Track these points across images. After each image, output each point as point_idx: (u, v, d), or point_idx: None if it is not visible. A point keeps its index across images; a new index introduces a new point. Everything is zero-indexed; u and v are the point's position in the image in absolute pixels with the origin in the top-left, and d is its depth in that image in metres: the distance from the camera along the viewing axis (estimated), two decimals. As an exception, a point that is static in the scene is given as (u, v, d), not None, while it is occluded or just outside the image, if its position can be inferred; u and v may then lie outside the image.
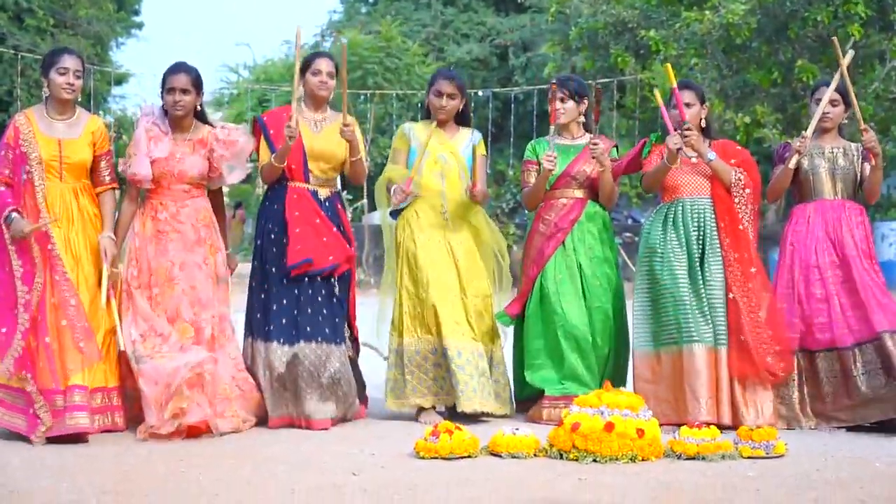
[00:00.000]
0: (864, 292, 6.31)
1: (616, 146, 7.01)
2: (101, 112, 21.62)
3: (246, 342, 6.47)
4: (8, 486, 4.73)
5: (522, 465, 5.27)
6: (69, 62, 6.03)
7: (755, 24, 15.18)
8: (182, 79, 6.21)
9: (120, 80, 25.42)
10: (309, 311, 6.30)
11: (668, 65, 6.93)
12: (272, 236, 6.42)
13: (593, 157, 6.50)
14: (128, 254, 6.20)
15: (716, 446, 5.38)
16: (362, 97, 21.86)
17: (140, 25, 27.65)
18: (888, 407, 6.18)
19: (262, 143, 6.48)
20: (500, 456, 5.39)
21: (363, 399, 6.68)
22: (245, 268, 6.77)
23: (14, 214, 5.89)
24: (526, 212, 19.45)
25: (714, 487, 4.81)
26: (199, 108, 6.34)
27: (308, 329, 6.28)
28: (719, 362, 6.27)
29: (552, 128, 6.67)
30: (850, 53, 6.72)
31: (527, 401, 6.73)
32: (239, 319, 6.48)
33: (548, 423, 6.26)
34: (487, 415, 6.50)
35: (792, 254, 6.55)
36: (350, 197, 19.39)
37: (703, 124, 6.58)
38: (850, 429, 6.27)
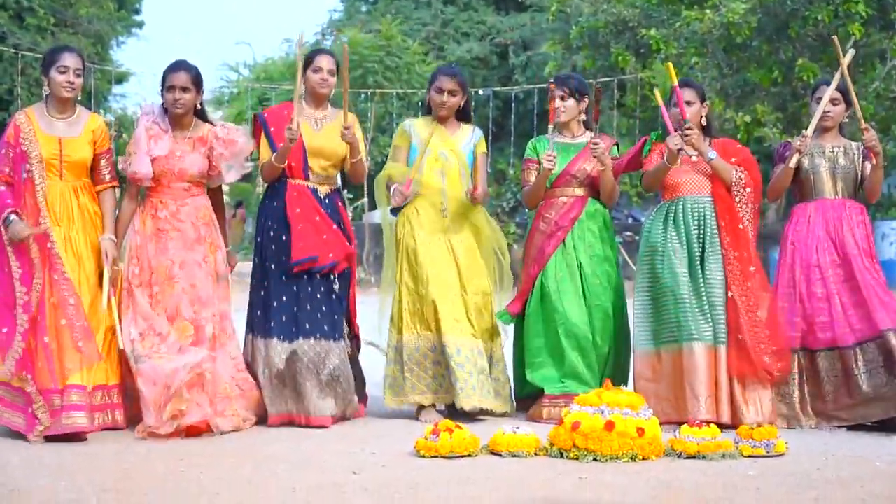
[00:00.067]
0: (866, 291, 6.31)
1: (617, 144, 7.01)
2: (101, 111, 21.63)
3: (247, 339, 6.48)
4: (8, 484, 4.72)
5: (523, 463, 5.26)
6: (69, 60, 6.03)
7: (756, 22, 15.19)
8: (182, 77, 6.21)
9: (120, 79, 25.44)
10: (308, 307, 6.31)
11: (670, 63, 6.92)
12: (271, 233, 6.42)
13: (594, 157, 6.51)
14: (128, 252, 6.20)
15: (716, 445, 5.38)
16: (363, 96, 21.86)
17: (141, 24, 27.65)
18: (890, 405, 6.17)
19: (263, 140, 6.49)
20: (501, 455, 5.39)
21: (363, 397, 6.68)
22: (244, 266, 6.78)
23: (13, 216, 5.89)
24: (526, 210, 19.46)
25: (714, 486, 4.80)
26: (199, 106, 6.33)
27: (307, 326, 6.28)
28: (719, 361, 6.27)
29: (550, 127, 6.67)
30: (851, 52, 6.71)
31: (527, 399, 6.73)
32: (239, 318, 6.47)
33: (548, 422, 6.26)
34: (486, 412, 6.50)
35: (793, 253, 6.55)
36: (351, 196, 19.37)
37: (704, 122, 6.57)
38: (850, 428, 6.27)
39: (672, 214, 6.50)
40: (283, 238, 6.36)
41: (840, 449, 5.69)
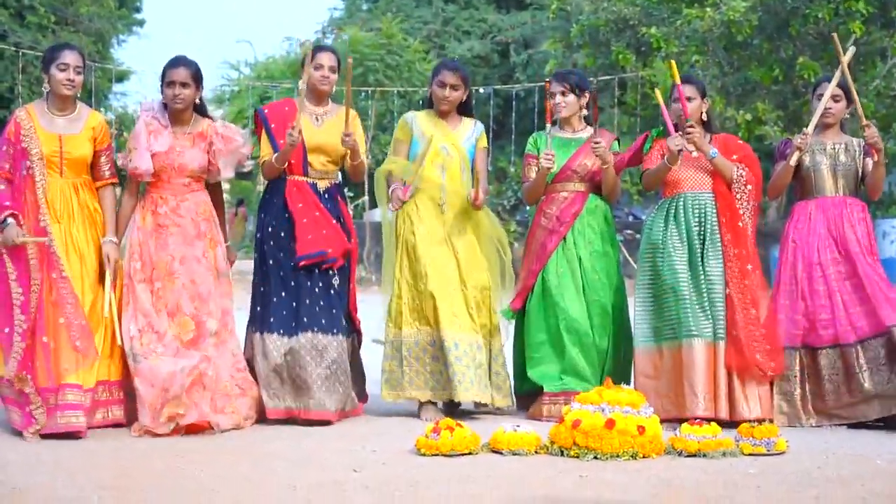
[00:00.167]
0: (871, 287, 6.31)
1: (618, 140, 7.02)
2: (102, 109, 21.63)
3: (247, 335, 6.48)
4: (7, 482, 4.72)
5: (523, 462, 5.26)
6: (69, 58, 6.03)
7: (756, 21, 15.18)
8: (182, 72, 6.21)
9: (121, 77, 25.47)
10: (307, 301, 6.31)
11: (672, 61, 6.90)
12: (270, 229, 6.43)
13: (596, 155, 6.51)
14: (129, 248, 6.20)
15: (717, 443, 5.38)
16: (363, 94, 21.86)
17: (141, 23, 27.66)
18: (891, 403, 6.17)
19: (264, 136, 6.49)
20: (501, 453, 5.39)
21: (363, 395, 6.67)
22: (243, 264, 6.77)
23: (10, 220, 5.89)
24: (527, 208, 19.47)
25: (715, 484, 4.80)
26: (198, 101, 6.33)
27: (305, 320, 6.29)
28: (718, 357, 6.27)
29: (548, 126, 6.66)
30: (851, 50, 6.70)
31: (527, 395, 6.73)
32: (240, 316, 6.47)
33: (548, 420, 6.26)
34: (482, 406, 6.51)
35: (794, 251, 6.54)
36: (351, 194, 19.38)
37: (705, 118, 6.57)
38: (850, 426, 6.27)
39: (673, 211, 6.50)
40: (282, 235, 6.37)
41: (841, 447, 5.69)
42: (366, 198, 21.63)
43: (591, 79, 14.46)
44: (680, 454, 5.38)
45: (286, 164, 6.36)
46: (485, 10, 28.32)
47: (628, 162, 6.84)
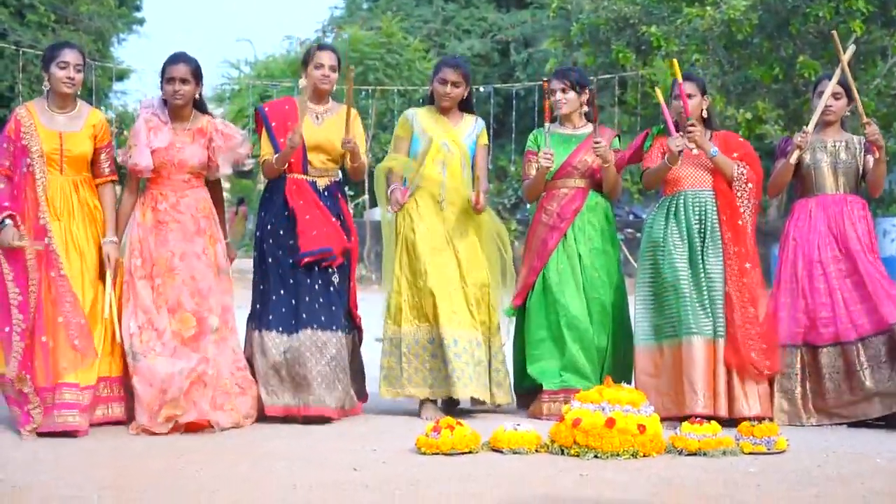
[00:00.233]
0: (872, 285, 6.31)
1: (619, 136, 7.02)
2: (102, 107, 21.63)
3: (247, 333, 6.48)
4: (8, 481, 4.72)
5: (524, 460, 5.26)
6: (69, 56, 6.04)
7: (756, 19, 15.19)
8: (181, 68, 6.21)
9: (121, 75, 25.47)
10: (307, 299, 6.31)
11: (675, 60, 6.89)
12: (269, 227, 6.44)
13: (597, 155, 6.52)
14: (129, 244, 6.21)
15: (717, 442, 5.38)
16: (364, 93, 21.87)
17: (141, 21, 27.65)
18: (892, 401, 6.17)
19: (264, 134, 6.49)
20: (502, 452, 5.39)
21: (363, 393, 6.67)
22: (243, 263, 6.78)
23: (8, 221, 5.89)
24: (527, 207, 19.46)
25: (715, 483, 4.80)
26: (198, 98, 6.33)
27: (305, 317, 6.29)
28: (717, 355, 6.27)
29: (546, 125, 6.66)
30: (852, 48, 6.70)
31: (526, 392, 6.74)
32: (240, 315, 6.47)
33: (548, 418, 6.27)
34: (482, 403, 6.51)
35: (794, 249, 6.54)
36: (352, 193, 19.39)
37: (705, 115, 6.58)
38: (851, 425, 6.27)
39: (673, 209, 6.51)
40: (281, 233, 6.38)
41: (841, 446, 5.69)
42: (366, 196, 21.64)
43: (592, 77, 14.47)
44: (680, 453, 5.37)
45: (285, 166, 6.37)
46: (485, 8, 28.33)
47: (629, 160, 6.84)
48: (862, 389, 6.22)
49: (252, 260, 6.64)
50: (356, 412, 6.51)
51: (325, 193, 6.46)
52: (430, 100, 6.85)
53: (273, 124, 6.46)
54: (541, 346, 6.62)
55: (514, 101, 20.42)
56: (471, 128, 6.80)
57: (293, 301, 6.33)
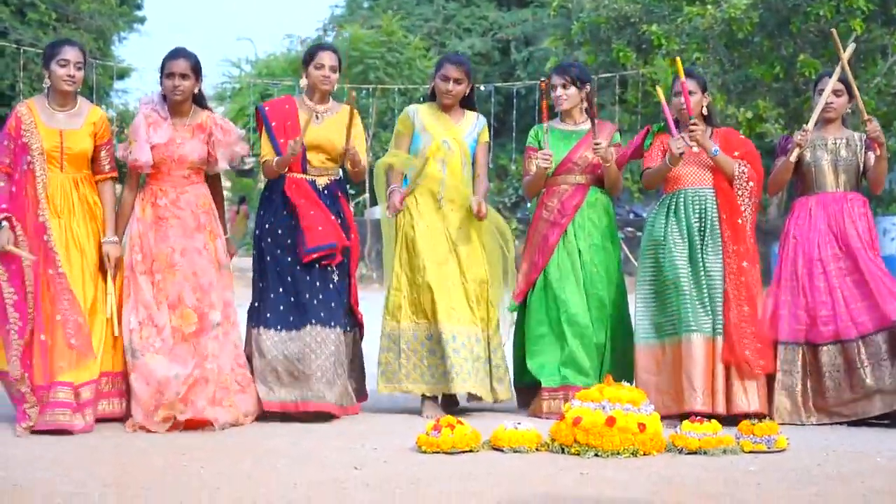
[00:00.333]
0: (874, 282, 6.31)
1: (619, 131, 7.03)
2: (103, 106, 21.63)
3: (248, 331, 6.49)
4: (9, 479, 4.73)
5: (524, 459, 5.27)
6: (70, 54, 6.04)
7: (757, 18, 15.20)
8: (181, 64, 6.22)
9: (122, 74, 25.47)
10: (306, 296, 6.32)
11: (678, 59, 6.90)
12: (267, 226, 6.46)
13: (598, 156, 6.53)
14: (129, 240, 6.22)
15: (717, 441, 5.38)
16: (364, 92, 21.86)
17: (142, 20, 27.63)
18: (893, 399, 6.18)
19: (264, 133, 6.50)
20: (502, 450, 5.39)
21: (363, 392, 6.68)
22: (243, 261, 6.78)
23: (4, 224, 5.91)
24: (528, 206, 19.48)
25: (715, 482, 4.81)
26: (197, 93, 6.34)
27: (304, 314, 6.30)
28: (716, 352, 6.28)
29: (545, 124, 6.67)
30: (852, 46, 6.70)
31: (526, 386, 6.75)
32: (240, 313, 6.48)
33: (548, 415, 6.30)
34: (479, 399, 6.52)
35: (795, 247, 6.55)
36: (352, 192, 19.40)
37: (705, 112, 6.58)
38: (851, 424, 6.27)
39: (673, 207, 6.51)
40: (280, 232, 6.39)
41: (841, 445, 5.69)
42: (367, 195, 21.64)
43: (592, 76, 14.47)
44: (680, 451, 5.38)
45: (285, 170, 6.38)
46: (486, 7, 28.32)
47: (629, 157, 6.85)
48: (862, 387, 6.22)
49: (252, 257, 6.65)
50: (355, 411, 6.51)
51: (325, 192, 6.47)
52: (431, 97, 6.85)
53: (273, 124, 6.46)
54: (541, 342, 6.64)
55: (514, 100, 20.42)
56: (472, 125, 6.80)
57: (292, 299, 6.34)
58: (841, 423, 6.28)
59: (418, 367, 6.53)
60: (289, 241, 6.37)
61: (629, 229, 21.71)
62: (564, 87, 6.72)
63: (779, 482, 4.81)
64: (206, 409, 5.98)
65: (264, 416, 6.28)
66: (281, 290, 6.36)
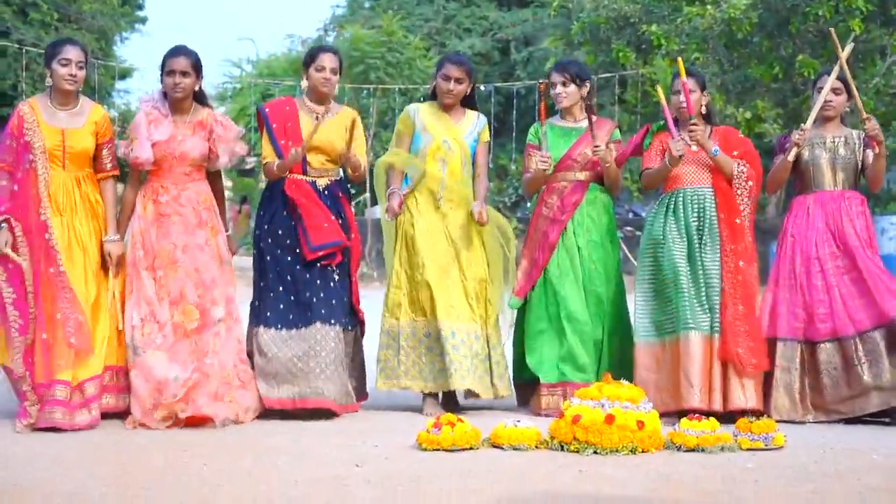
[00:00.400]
0: (872, 280, 6.33)
1: (619, 128, 7.05)
2: (105, 106, 21.63)
3: (249, 329, 6.51)
4: (9, 478, 4.74)
5: (524, 456, 5.28)
6: (71, 53, 6.07)
7: (756, 18, 15.21)
8: (182, 61, 6.24)
9: (124, 74, 25.45)
10: (306, 294, 6.34)
11: (679, 59, 6.93)
12: (267, 226, 6.47)
13: (598, 158, 6.55)
14: (131, 237, 6.24)
15: (715, 438, 5.40)
16: (365, 92, 21.85)
17: (144, 20, 27.62)
18: (890, 395, 6.20)
19: (265, 134, 6.52)
20: (502, 448, 5.41)
21: (363, 390, 6.70)
22: (244, 261, 6.80)
23: (3, 225, 5.94)
24: (528, 205, 19.49)
25: (713, 479, 4.82)
26: (198, 90, 6.37)
27: (303, 312, 6.32)
28: (714, 350, 6.30)
29: (543, 126, 6.68)
30: (850, 45, 6.73)
31: (525, 382, 6.77)
32: (241, 311, 6.50)
33: (546, 412, 6.34)
34: (477, 396, 6.53)
35: (793, 245, 6.57)
36: (353, 191, 19.38)
37: (704, 111, 6.60)
38: (848, 421, 6.29)
39: (672, 205, 6.53)
40: (280, 232, 6.42)
41: (838, 442, 5.71)
42: (367, 195, 21.64)
43: (592, 76, 14.48)
44: (679, 449, 5.40)
45: (286, 173, 6.41)
46: (486, 7, 28.30)
47: (629, 155, 6.87)
48: (860, 384, 6.24)
49: (252, 256, 6.67)
50: (354, 409, 6.52)
51: (325, 193, 6.49)
52: (432, 96, 6.87)
53: (274, 126, 6.47)
54: (540, 338, 6.65)
55: (514, 100, 20.40)
56: (473, 125, 6.82)
57: (292, 298, 6.36)
58: (838, 421, 6.31)
59: (417, 364, 6.56)
60: (288, 241, 6.39)
61: (628, 228, 21.72)
62: (564, 84, 6.74)
63: (776, 479, 4.83)
64: (207, 405, 6.00)
65: (265, 413, 6.29)
66: (281, 289, 6.39)
